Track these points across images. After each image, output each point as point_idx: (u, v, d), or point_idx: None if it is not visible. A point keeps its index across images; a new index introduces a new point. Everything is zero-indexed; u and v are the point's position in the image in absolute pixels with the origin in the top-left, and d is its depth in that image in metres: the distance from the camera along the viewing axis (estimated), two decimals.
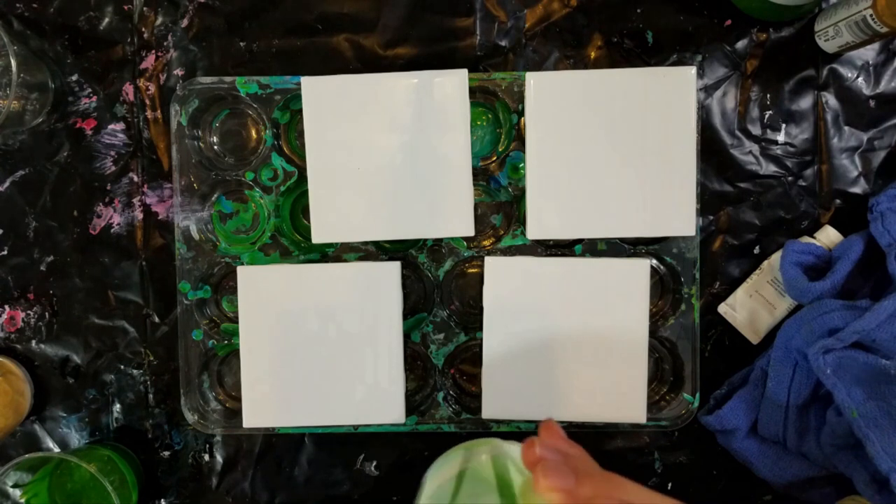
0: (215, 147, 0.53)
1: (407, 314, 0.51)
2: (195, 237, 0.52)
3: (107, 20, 0.53)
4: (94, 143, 0.53)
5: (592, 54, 0.52)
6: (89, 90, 0.53)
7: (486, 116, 0.52)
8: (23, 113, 0.50)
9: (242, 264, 0.51)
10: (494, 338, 0.49)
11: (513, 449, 0.36)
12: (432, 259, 0.52)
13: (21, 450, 0.54)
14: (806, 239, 0.51)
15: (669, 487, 0.54)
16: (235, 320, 0.52)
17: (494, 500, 0.31)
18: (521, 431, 0.52)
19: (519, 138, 0.50)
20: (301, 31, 0.52)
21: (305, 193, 0.49)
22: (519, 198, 0.51)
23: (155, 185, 0.53)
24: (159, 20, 0.52)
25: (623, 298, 0.48)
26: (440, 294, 0.52)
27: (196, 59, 0.53)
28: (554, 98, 0.48)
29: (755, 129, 0.52)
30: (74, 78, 0.53)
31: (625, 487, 0.26)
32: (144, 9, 0.52)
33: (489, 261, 0.49)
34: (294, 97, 0.50)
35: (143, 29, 0.53)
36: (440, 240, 0.51)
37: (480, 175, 0.51)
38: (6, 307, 0.53)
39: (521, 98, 0.50)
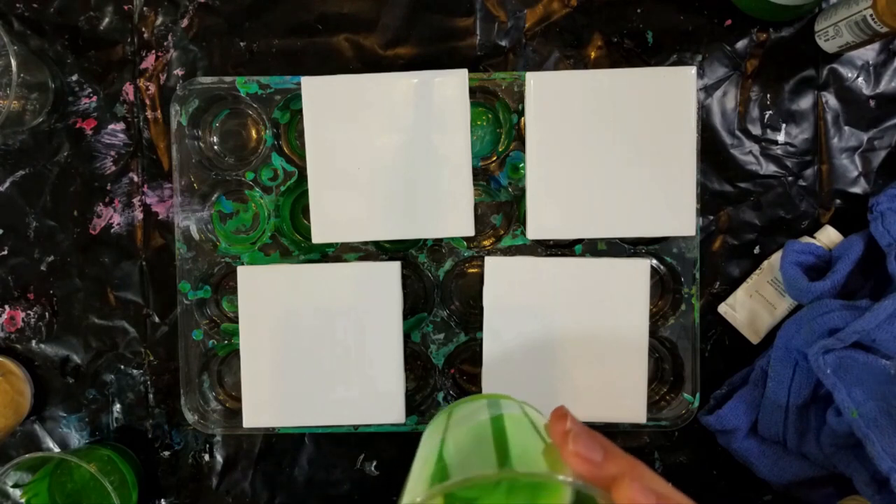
0: (215, 147, 0.53)
1: (407, 314, 0.51)
2: (195, 237, 0.52)
3: (107, 20, 0.53)
4: (94, 143, 0.53)
5: (592, 54, 0.52)
6: (89, 90, 0.53)
7: (486, 116, 0.52)
8: (23, 113, 0.50)
9: (242, 264, 0.51)
10: (494, 338, 0.49)
11: (531, 411, 0.35)
12: (432, 259, 0.52)
13: (21, 450, 0.54)
14: (806, 239, 0.51)
15: None
16: (235, 320, 0.52)
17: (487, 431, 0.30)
18: None
19: (519, 138, 0.50)
20: (301, 31, 0.52)
21: (305, 193, 0.49)
22: (519, 198, 0.51)
23: (155, 185, 0.53)
24: (159, 20, 0.52)
25: (623, 298, 0.48)
26: (440, 294, 0.52)
27: (196, 59, 0.53)
28: (554, 98, 0.48)
29: (755, 129, 0.52)
30: (74, 78, 0.53)
31: (648, 474, 0.26)
32: (144, 9, 0.52)
33: (489, 261, 0.49)
34: (294, 97, 0.50)
35: (143, 29, 0.52)
36: (440, 240, 0.51)
37: (480, 175, 0.51)
38: (6, 307, 0.53)
39: (521, 98, 0.49)
